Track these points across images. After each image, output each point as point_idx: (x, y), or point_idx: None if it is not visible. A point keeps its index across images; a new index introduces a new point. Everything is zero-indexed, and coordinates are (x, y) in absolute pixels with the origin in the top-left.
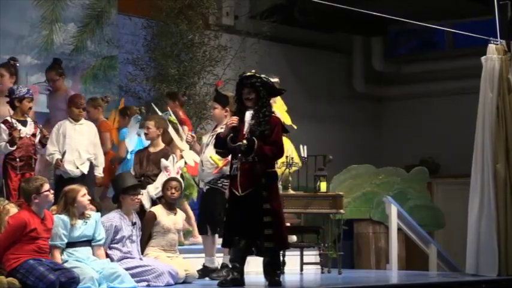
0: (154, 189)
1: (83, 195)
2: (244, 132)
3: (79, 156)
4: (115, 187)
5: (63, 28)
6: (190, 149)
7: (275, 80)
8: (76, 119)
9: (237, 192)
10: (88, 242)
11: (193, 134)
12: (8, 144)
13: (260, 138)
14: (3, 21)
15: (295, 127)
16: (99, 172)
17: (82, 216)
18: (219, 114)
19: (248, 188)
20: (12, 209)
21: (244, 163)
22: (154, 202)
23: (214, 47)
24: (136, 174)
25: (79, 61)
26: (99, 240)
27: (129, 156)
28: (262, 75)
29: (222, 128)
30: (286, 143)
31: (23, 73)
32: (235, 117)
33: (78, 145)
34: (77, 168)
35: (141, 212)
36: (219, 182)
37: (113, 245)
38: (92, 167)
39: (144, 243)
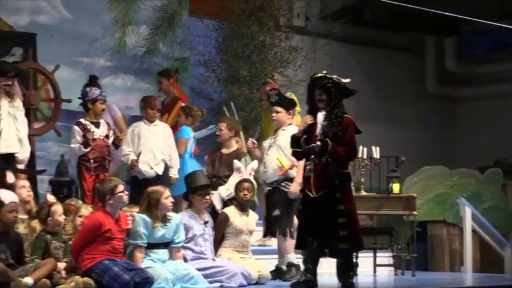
0: (225, 190)
1: (166, 197)
2: (317, 134)
3: (153, 157)
4: (186, 185)
5: (135, 30)
6: (251, 155)
7: (346, 81)
8: (150, 120)
9: (310, 194)
10: (166, 244)
11: (254, 141)
12: (82, 146)
13: (333, 139)
14: (78, 24)
15: None
16: (173, 173)
17: (164, 218)
18: (283, 118)
19: (322, 189)
20: (84, 209)
21: (318, 164)
22: (225, 203)
23: (285, 49)
24: (208, 175)
25: (151, 63)
26: (178, 243)
27: (186, 157)
28: (334, 76)
29: (283, 130)
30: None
31: (96, 75)
32: (309, 116)
33: (153, 146)
34: (152, 168)
35: (213, 213)
36: (282, 183)
37: (186, 245)
38: (166, 167)
39: (217, 244)
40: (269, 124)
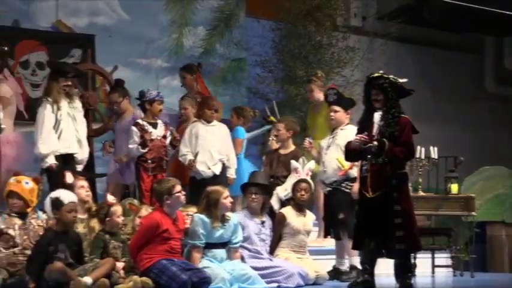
0: (283, 190)
1: (225, 197)
2: (373, 134)
3: (211, 157)
4: None
5: (192, 31)
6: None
7: (403, 80)
8: (208, 120)
9: (367, 194)
10: (224, 244)
11: (311, 140)
12: (139, 147)
13: (390, 139)
14: (135, 25)
15: None
16: (231, 173)
17: (222, 218)
18: (341, 117)
19: (379, 190)
20: (144, 210)
21: (374, 164)
22: (283, 203)
23: (342, 49)
24: (266, 175)
25: (208, 64)
26: (236, 243)
27: (241, 157)
28: (390, 76)
29: (342, 129)
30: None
31: (153, 75)
32: (365, 134)
33: (210, 146)
34: (209, 169)
35: (271, 213)
36: (342, 184)
37: (241, 244)
38: (224, 168)
39: (274, 244)
40: (314, 122)
